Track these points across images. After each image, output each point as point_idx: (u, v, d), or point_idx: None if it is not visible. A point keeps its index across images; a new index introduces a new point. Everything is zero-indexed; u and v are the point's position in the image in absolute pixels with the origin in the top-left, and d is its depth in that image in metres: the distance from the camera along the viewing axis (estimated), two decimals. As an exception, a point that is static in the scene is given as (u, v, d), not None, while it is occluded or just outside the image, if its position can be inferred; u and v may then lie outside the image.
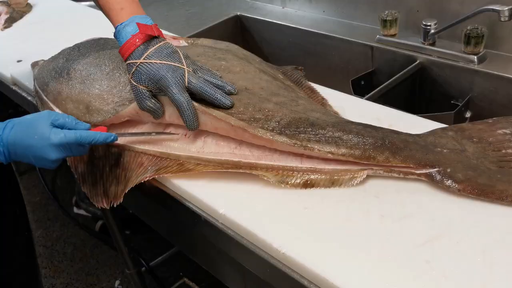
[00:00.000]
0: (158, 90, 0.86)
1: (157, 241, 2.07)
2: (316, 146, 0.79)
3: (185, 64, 0.85)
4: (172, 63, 0.85)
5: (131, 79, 0.87)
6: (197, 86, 0.84)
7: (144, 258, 1.89)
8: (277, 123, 0.82)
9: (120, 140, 0.91)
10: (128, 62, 0.87)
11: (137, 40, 0.86)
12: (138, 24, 0.87)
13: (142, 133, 0.92)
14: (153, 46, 0.86)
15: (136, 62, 0.85)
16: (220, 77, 0.89)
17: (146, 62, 0.85)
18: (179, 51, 0.88)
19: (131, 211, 1.42)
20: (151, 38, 0.87)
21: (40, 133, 0.80)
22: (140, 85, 0.86)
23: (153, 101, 0.87)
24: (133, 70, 0.86)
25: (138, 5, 0.94)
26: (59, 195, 2.46)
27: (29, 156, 0.81)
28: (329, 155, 0.79)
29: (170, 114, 0.89)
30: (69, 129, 0.83)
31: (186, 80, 0.84)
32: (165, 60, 0.85)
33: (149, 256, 1.97)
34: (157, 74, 0.84)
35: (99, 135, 0.84)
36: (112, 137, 0.85)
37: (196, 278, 1.84)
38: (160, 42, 0.87)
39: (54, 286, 2.03)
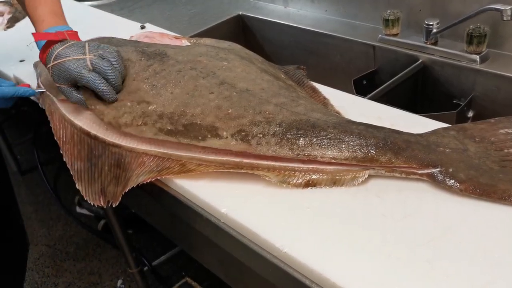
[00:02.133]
0: (75, 82, 0.94)
1: (160, 240, 2.08)
2: (318, 153, 0.79)
3: (87, 54, 0.93)
4: (75, 57, 0.93)
5: (55, 82, 0.96)
6: (100, 66, 0.92)
7: (147, 257, 1.90)
8: (277, 126, 0.82)
9: (122, 141, 0.91)
10: (47, 65, 0.96)
11: (45, 47, 0.97)
12: (37, 34, 1.01)
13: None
14: (57, 49, 0.94)
15: (50, 67, 0.95)
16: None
17: (55, 64, 0.93)
18: (85, 45, 0.95)
19: (133, 210, 1.42)
20: (59, 42, 0.96)
21: None
22: (61, 84, 0.95)
23: (76, 94, 0.96)
24: (51, 74, 0.96)
25: (60, 17, 1.07)
26: (61, 194, 2.47)
27: None
28: (332, 161, 0.79)
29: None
30: None
31: (89, 64, 0.92)
32: (70, 56, 0.93)
33: (151, 255, 1.98)
34: (65, 70, 0.92)
35: (18, 89, 1.06)
36: (29, 91, 1.06)
37: (199, 277, 1.84)
38: (66, 43, 0.95)
39: (56, 285, 2.03)
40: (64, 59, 0.92)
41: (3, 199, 1.36)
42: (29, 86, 1.09)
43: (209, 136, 0.85)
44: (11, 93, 1.05)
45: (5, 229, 1.35)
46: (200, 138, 0.85)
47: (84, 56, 0.93)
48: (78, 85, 0.95)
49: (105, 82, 0.92)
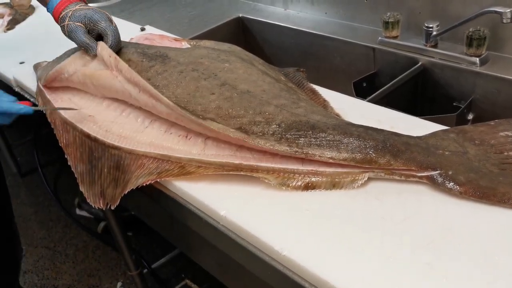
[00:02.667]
0: (92, 25, 1.03)
1: (159, 243, 2.08)
2: (317, 153, 0.79)
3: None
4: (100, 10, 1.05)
5: (67, 23, 1.02)
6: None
7: (146, 260, 1.90)
8: (277, 126, 0.82)
9: (122, 143, 0.91)
10: (63, 13, 1.03)
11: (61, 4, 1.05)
12: None
13: (45, 107, 1.07)
14: (81, 3, 1.06)
15: (73, 9, 1.03)
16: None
17: (81, 8, 1.04)
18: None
19: (133, 212, 1.42)
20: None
21: None
22: (77, 22, 1.02)
23: (88, 36, 1.03)
24: (69, 15, 1.02)
25: None
26: (61, 196, 2.47)
27: None
28: (331, 161, 0.79)
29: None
30: None
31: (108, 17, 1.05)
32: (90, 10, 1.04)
33: (151, 257, 1.98)
34: (91, 13, 1.03)
35: (15, 106, 1.05)
36: (25, 109, 1.05)
37: (198, 280, 1.84)
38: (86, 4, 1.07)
39: None
40: (86, 10, 1.04)
41: None
42: (29, 104, 1.07)
43: (208, 120, 0.85)
44: (9, 110, 1.05)
45: None
46: (200, 116, 0.86)
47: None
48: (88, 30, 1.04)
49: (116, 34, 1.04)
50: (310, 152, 0.79)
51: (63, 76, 1.06)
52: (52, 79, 1.08)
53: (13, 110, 1.04)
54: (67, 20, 1.02)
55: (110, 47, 1.01)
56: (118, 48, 1.04)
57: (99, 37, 1.05)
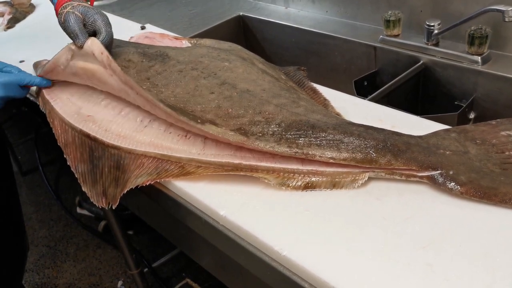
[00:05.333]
0: (89, 21, 1.02)
1: (160, 242, 2.08)
2: (317, 153, 0.79)
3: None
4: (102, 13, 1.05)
5: (66, 11, 1.01)
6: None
7: (147, 259, 1.90)
8: (277, 126, 0.82)
9: (121, 143, 0.91)
10: (65, 4, 1.02)
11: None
12: None
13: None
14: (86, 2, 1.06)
15: (75, 4, 1.03)
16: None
17: (85, 5, 1.04)
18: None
19: (133, 211, 1.42)
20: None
21: None
22: (76, 12, 1.01)
23: (81, 26, 1.00)
24: (70, 6, 1.02)
25: None
26: (62, 195, 2.47)
27: None
28: (331, 161, 0.78)
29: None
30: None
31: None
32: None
33: (151, 256, 1.98)
34: (92, 12, 1.02)
35: (35, 78, 1.07)
36: (45, 82, 1.07)
37: (199, 279, 1.85)
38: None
39: (56, 286, 2.03)
40: (88, 7, 1.04)
41: (6, 199, 1.36)
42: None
43: (207, 123, 0.84)
44: (27, 81, 1.06)
45: (4, 229, 1.35)
46: (199, 121, 0.85)
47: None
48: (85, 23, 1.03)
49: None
50: (310, 153, 0.79)
51: (60, 69, 1.05)
52: (49, 70, 1.07)
53: (35, 81, 1.06)
54: (66, 9, 1.02)
55: (102, 43, 0.98)
56: (110, 48, 1.03)
57: (94, 34, 1.02)
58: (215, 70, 0.96)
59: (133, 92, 0.92)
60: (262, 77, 0.96)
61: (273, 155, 0.82)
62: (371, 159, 0.77)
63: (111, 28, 1.03)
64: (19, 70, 1.11)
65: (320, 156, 0.78)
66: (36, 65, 1.25)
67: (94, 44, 0.96)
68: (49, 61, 1.15)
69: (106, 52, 0.93)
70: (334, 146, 0.79)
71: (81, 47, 0.98)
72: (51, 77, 1.09)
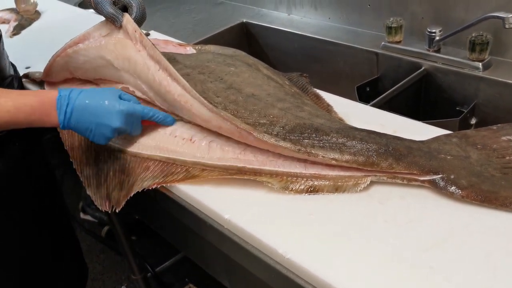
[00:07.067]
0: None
1: (163, 247, 2.08)
2: (320, 153, 0.80)
3: None
4: None
5: None
6: None
7: (150, 264, 1.90)
8: (281, 128, 0.83)
9: (127, 146, 0.92)
10: None
11: None
12: None
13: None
14: None
15: None
16: None
17: None
18: None
19: (137, 216, 1.42)
20: None
21: (110, 100, 0.86)
22: None
23: (114, 7, 0.99)
24: None
25: None
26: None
27: (92, 121, 0.84)
28: (333, 162, 0.79)
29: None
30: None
31: None
32: None
33: (155, 261, 1.97)
34: None
35: (159, 112, 0.92)
36: (169, 119, 0.94)
37: (202, 284, 1.85)
38: None
39: (60, 291, 2.03)
40: None
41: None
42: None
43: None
44: (151, 114, 0.92)
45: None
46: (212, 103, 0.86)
47: None
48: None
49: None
50: (313, 152, 0.80)
51: (83, 54, 1.05)
52: (77, 41, 1.07)
53: (159, 117, 0.93)
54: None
55: (135, 19, 0.99)
56: (143, 20, 1.02)
57: (124, 9, 1.03)
58: (221, 74, 0.97)
59: (157, 67, 0.92)
60: (267, 82, 0.97)
61: (276, 159, 0.83)
62: (373, 162, 0.78)
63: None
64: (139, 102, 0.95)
65: (323, 156, 0.79)
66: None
67: (128, 22, 0.98)
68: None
69: (139, 30, 0.96)
70: (337, 149, 0.80)
71: (120, 27, 0.99)
72: (71, 63, 1.09)
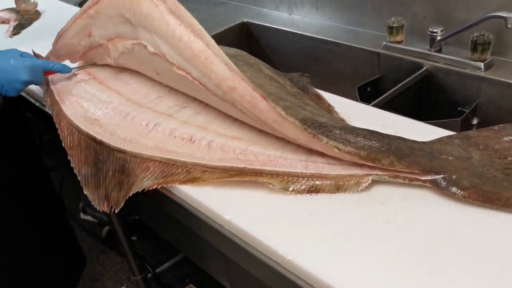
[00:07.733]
0: None
1: (163, 247, 2.08)
2: (324, 138, 0.79)
3: None
4: None
5: None
6: None
7: (150, 264, 1.89)
8: None
9: (127, 147, 0.92)
10: None
11: None
12: None
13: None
14: None
15: None
16: None
17: None
18: None
19: (137, 216, 1.42)
20: None
21: (15, 58, 1.02)
22: None
23: None
24: None
25: None
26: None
27: (4, 77, 1.00)
28: (336, 150, 0.79)
29: None
30: None
31: None
32: None
33: (155, 262, 1.97)
34: None
35: (57, 63, 1.10)
36: (67, 69, 1.11)
37: (202, 284, 1.84)
38: None
39: (60, 292, 2.03)
40: None
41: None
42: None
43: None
44: (50, 66, 1.08)
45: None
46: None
47: None
48: None
49: None
50: (318, 135, 0.79)
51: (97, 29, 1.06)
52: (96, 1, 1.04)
53: (57, 67, 1.07)
54: None
55: None
56: None
57: None
58: None
59: (178, 23, 0.91)
60: (269, 82, 0.97)
61: (277, 158, 0.83)
62: (375, 158, 0.77)
63: None
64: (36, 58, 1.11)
65: (326, 142, 0.78)
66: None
67: None
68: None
69: None
70: (340, 142, 0.79)
71: None
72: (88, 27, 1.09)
